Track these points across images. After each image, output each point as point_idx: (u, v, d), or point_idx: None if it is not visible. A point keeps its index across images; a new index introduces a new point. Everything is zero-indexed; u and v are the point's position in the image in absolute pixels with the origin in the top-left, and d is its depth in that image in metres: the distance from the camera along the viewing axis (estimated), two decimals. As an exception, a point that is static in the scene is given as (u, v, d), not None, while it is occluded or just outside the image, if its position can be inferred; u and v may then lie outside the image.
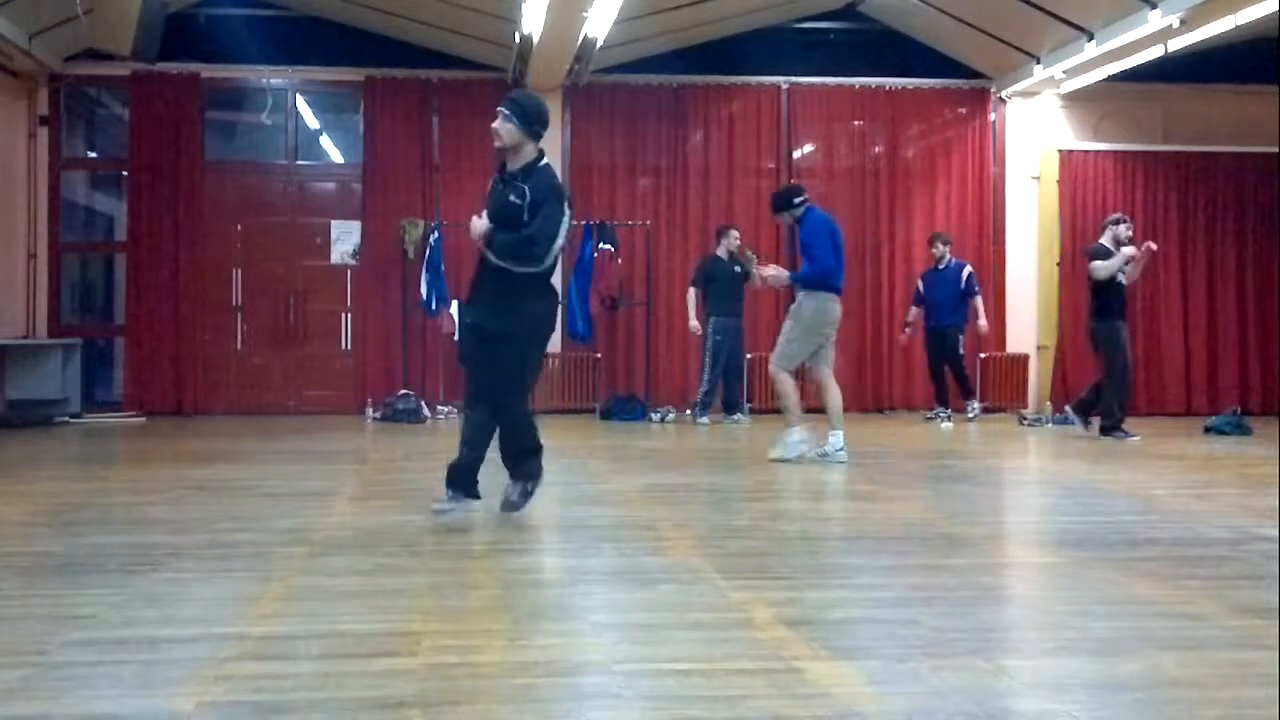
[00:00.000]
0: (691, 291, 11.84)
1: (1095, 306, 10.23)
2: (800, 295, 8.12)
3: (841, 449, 7.93)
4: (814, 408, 8.73)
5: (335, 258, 13.08)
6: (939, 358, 12.11)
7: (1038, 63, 12.45)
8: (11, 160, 12.43)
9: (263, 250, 12.94)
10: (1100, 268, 10.06)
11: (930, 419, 12.10)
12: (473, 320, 5.50)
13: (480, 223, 5.32)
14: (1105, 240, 10.26)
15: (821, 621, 3.67)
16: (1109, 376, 10.15)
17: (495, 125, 5.27)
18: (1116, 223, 10.34)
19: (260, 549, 4.80)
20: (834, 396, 8.03)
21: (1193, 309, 13.53)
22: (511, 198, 5.25)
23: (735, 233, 11.88)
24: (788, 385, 8.13)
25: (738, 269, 11.63)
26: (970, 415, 12.09)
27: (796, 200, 8.27)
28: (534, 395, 13.24)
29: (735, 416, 11.71)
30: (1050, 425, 11.65)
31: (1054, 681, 3.05)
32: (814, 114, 13.48)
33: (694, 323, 11.69)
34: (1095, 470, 8.05)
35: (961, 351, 12.09)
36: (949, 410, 11.98)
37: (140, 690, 2.93)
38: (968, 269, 12.21)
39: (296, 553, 4.70)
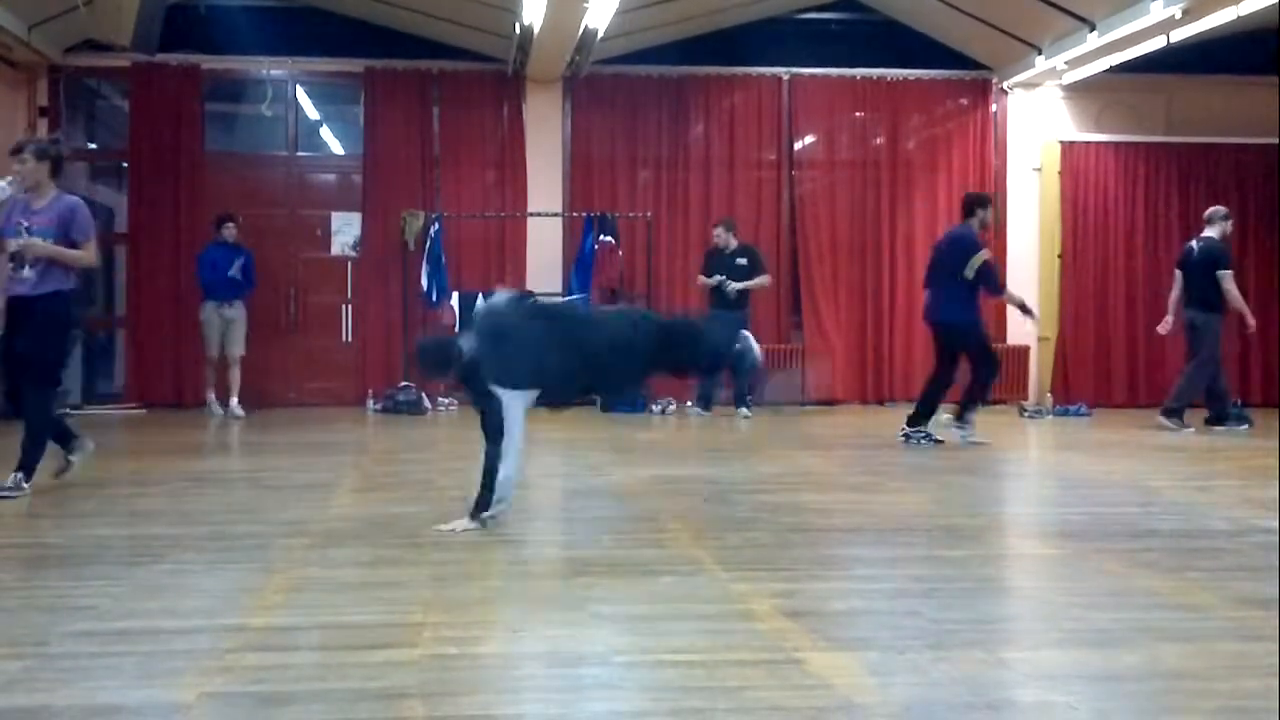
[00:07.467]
0: (701, 279, 11.79)
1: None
2: None
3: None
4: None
5: (335, 249, 13.06)
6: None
7: (1039, 53, 12.42)
8: (11, 152, 12.39)
9: (263, 242, 12.91)
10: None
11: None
12: None
13: None
14: (1214, 233, 10.51)
15: (822, 613, 3.68)
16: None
17: None
18: (1226, 217, 10.63)
19: (261, 540, 4.81)
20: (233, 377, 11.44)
21: (1194, 300, 13.47)
22: None
23: (718, 229, 11.86)
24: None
25: (741, 261, 11.59)
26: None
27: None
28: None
29: (741, 410, 11.68)
30: (1050, 417, 11.63)
31: (1054, 672, 3.06)
32: (815, 105, 13.43)
33: None
34: (1095, 462, 8.05)
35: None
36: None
37: (141, 681, 2.93)
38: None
39: (297, 544, 4.70)
